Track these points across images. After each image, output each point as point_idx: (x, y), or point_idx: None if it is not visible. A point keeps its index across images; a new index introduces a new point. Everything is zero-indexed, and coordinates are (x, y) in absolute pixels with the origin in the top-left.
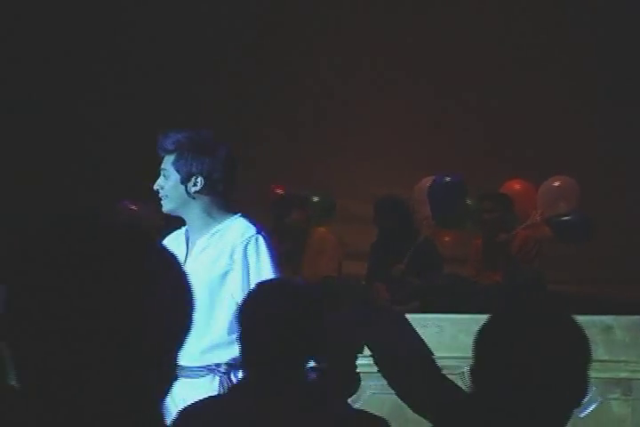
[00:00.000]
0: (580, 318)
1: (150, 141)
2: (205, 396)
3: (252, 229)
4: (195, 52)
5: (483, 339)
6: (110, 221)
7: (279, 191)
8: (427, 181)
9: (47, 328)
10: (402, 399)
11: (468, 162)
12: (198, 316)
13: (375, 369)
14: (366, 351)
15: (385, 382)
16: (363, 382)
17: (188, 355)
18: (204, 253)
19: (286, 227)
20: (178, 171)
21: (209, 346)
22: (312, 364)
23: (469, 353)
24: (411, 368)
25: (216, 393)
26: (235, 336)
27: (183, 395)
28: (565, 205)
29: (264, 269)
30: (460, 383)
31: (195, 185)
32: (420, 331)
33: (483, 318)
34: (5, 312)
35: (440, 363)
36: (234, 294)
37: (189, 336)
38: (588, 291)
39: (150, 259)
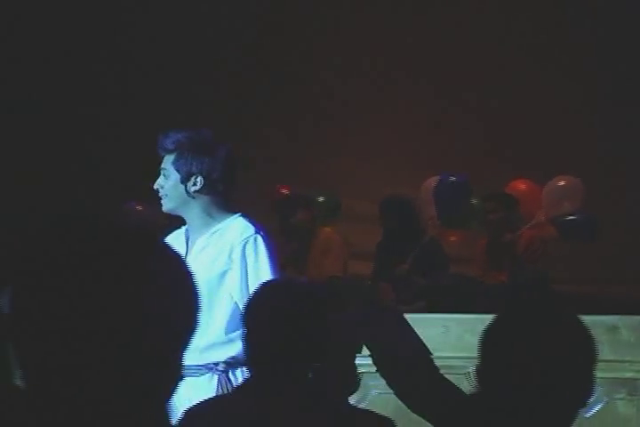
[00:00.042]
0: (586, 318)
1: (150, 141)
2: (204, 394)
3: (250, 229)
4: (195, 52)
5: (488, 339)
6: (116, 221)
7: (284, 191)
8: (432, 181)
9: (51, 328)
10: (401, 400)
11: (472, 162)
12: None
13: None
14: (366, 351)
15: None
16: (368, 382)
17: (187, 354)
18: (203, 252)
19: (292, 227)
20: (178, 170)
21: (207, 345)
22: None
23: (475, 353)
24: (409, 368)
25: (214, 391)
26: (233, 335)
27: (181, 393)
28: (570, 205)
29: (262, 269)
30: (465, 383)
31: (194, 185)
32: (425, 331)
33: (488, 318)
34: (10, 312)
35: (445, 363)
36: (232, 293)
37: None
38: (592, 291)
39: (156, 259)
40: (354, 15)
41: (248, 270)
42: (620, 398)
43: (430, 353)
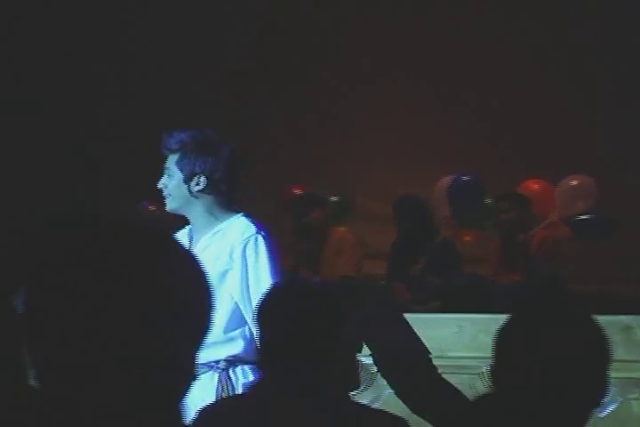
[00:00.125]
0: (600, 318)
1: (150, 141)
2: (204, 392)
3: (251, 229)
4: (196, 52)
5: (502, 339)
6: (130, 221)
7: (297, 191)
8: (445, 181)
9: (64, 328)
10: (401, 400)
11: (484, 162)
12: None
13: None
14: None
15: None
16: (382, 382)
17: None
18: (205, 252)
19: (305, 227)
20: (181, 170)
21: (208, 343)
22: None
23: (489, 353)
24: (408, 368)
25: (215, 389)
26: (233, 334)
27: None
28: (583, 205)
29: (262, 269)
30: (479, 383)
31: (197, 184)
32: (439, 331)
33: (502, 318)
34: (24, 313)
35: (459, 363)
36: (232, 293)
37: None
38: (606, 290)
39: (170, 259)
40: (354, 15)
41: (248, 270)
42: (635, 398)
43: (429, 353)
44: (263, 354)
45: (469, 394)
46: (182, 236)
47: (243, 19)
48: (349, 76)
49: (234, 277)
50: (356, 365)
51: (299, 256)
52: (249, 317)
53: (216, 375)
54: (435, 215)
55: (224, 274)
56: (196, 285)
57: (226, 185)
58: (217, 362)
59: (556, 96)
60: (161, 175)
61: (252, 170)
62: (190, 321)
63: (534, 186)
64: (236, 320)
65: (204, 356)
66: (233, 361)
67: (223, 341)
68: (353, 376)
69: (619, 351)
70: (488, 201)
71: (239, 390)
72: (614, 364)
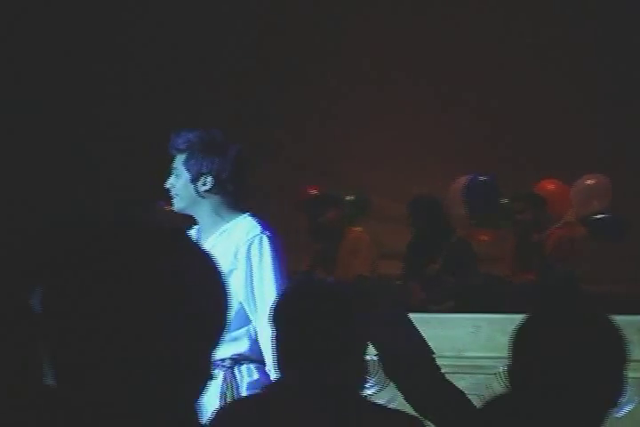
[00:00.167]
0: (616, 318)
1: (149, 141)
2: (209, 389)
3: (256, 229)
4: (198, 53)
5: (519, 339)
6: (147, 221)
7: (313, 192)
8: (461, 181)
9: (83, 328)
10: (405, 400)
11: (500, 161)
12: None
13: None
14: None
15: None
16: None
17: None
18: (211, 251)
19: (321, 227)
20: (188, 170)
21: None
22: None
23: (505, 353)
24: (410, 368)
25: (220, 387)
26: (237, 333)
27: None
28: (599, 204)
29: (266, 270)
30: (495, 383)
31: (204, 184)
32: (455, 331)
33: (519, 318)
34: (42, 312)
35: (476, 363)
36: (237, 293)
37: None
38: (623, 290)
39: (187, 258)
40: (354, 15)
41: (253, 271)
42: None
43: (433, 353)
44: (278, 354)
45: (486, 394)
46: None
47: (243, 19)
48: (357, 75)
49: (238, 277)
50: (366, 365)
51: (314, 256)
52: (253, 316)
53: (221, 374)
54: (450, 215)
55: (229, 274)
56: (212, 284)
57: (232, 185)
58: (222, 360)
59: (556, 96)
60: (169, 175)
61: (266, 171)
62: (206, 320)
63: (549, 186)
64: (241, 319)
65: None
66: (238, 360)
67: (228, 339)
68: (362, 375)
69: (636, 352)
70: (504, 201)
71: (244, 389)
72: (631, 364)
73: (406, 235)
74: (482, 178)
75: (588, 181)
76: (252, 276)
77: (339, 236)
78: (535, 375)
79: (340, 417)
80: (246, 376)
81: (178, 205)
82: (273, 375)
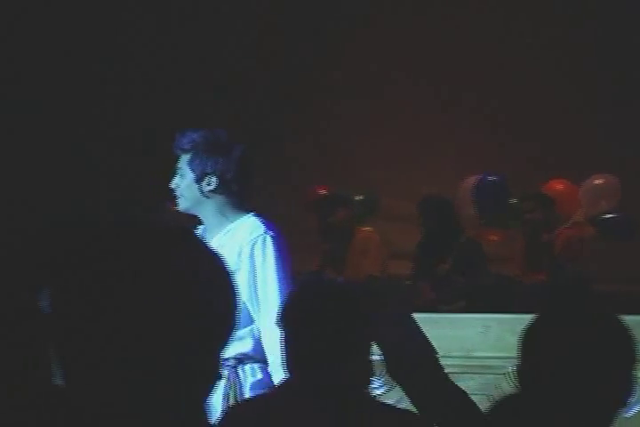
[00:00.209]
0: (626, 318)
1: (149, 141)
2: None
3: (260, 229)
4: (198, 53)
5: (528, 339)
6: (155, 221)
7: (322, 192)
8: (470, 181)
9: (93, 328)
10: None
11: (508, 161)
12: None
13: None
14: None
15: None
16: None
17: None
18: None
19: (330, 227)
20: (192, 170)
21: None
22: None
23: (515, 353)
24: (413, 368)
25: (223, 386)
26: (241, 332)
27: None
28: (607, 204)
29: (269, 270)
30: (505, 383)
31: (209, 184)
32: (465, 331)
33: (528, 318)
34: (51, 313)
35: (485, 363)
36: (240, 293)
37: None
38: (632, 290)
39: (195, 258)
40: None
41: (256, 271)
42: None
43: (436, 352)
44: (287, 354)
45: (495, 394)
46: None
47: (243, 19)
48: (364, 75)
49: (241, 277)
50: (373, 365)
51: (324, 256)
52: (256, 316)
53: (225, 373)
54: (460, 215)
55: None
56: (222, 283)
57: (237, 185)
58: (226, 360)
59: (554, 96)
60: (173, 175)
61: (274, 171)
62: (216, 320)
63: (558, 186)
64: (245, 319)
65: None
66: (242, 359)
67: (232, 339)
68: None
69: None
70: (513, 201)
71: (247, 389)
72: None
73: (416, 235)
74: (491, 178)
75: (597, 181)
76: (255, 276)
77: (348, 236)
78: (544, 375)
79: (349, 417)
80: (250, 376)
81: (182, 205)
82: (275, 376)
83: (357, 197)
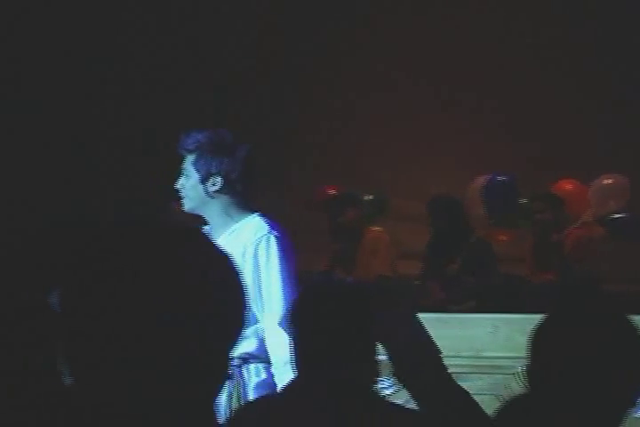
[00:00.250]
0: (635, 318)
1: (149, 141)
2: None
3: (264, 229)
4: (198, 53)
5: (538, 339)
6: (164, 221)
7: (331, 191)
8: (480, 181)
9: (103, 328)
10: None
11: (517, 161)
12: None
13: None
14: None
15: None
16: None
17: None
18: None
19: (340, 226)
20: (197, 171)
21: None
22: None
23: (524, 353)
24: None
25: (227, 385)
26: (246, 332)
27: None
28: (615, 204)
29: (273, 270)
30: (514, 383)
31: (214, 185)
32: (474, 330)
33: (537, 318)
34: (61, 313)
35: (494, 363)
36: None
37: None
38: None
39: (207, 258)
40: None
41: (260, 271)
42: None
43: (440, 352)
44: (298, 354)
45: (504, 394)
46: None
47: (243, 19)
48: (370, 75)
49: (246, 278)
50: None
51: (333, 256)
52: (260, 316)
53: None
54: (469, 215)
55: None
56: (231, 283)
57: (242, 185)
58: (231, 359)
59: (556, 96)
60: (178, 176)
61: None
62: (225, 320)
63: (567, 186)
64: (250, 319)
65: None
66: (247, 359)
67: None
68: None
69: None
70: (523, 201)
71: (251, 388)
72: None
73: (425, 235)
74: (501, 178)
75: (606, 181)
76: (258, 276)
77: (358, 236)
78: (553, 375)
79: (358, 417)
80: (254, 376)
81: (187, 205)
82: (277, 376)
83: (367, 197)
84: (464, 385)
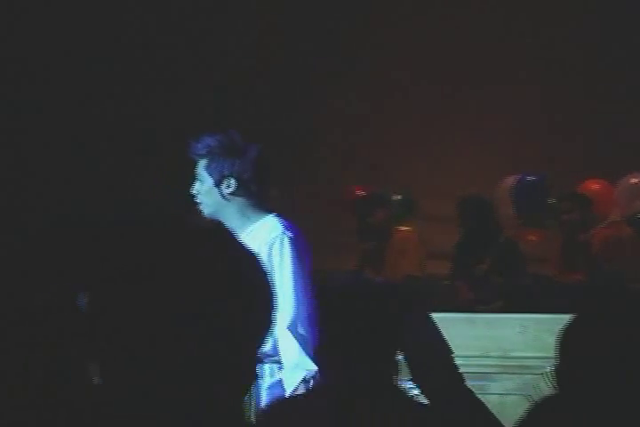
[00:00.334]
0: None
1: (149, 141)
2: None
3: (278, 230)
4: (198, 53)
5: (566, 339)
6: (192, 222)
7: (360, 192)
8: (509, 181)
9: (131, 330)
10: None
11: (544, 161)
12: None
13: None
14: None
15: None
16: None
17: None
18: None
19: (369, 226)
20: (211, 175)
21: None
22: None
23: (552, 353)
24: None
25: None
26: None
27: None
28: None
29: (286, 271)
30: (543, 384)
31: (228, 187)
32: (503, 331)
33: (566, 318)
34: (89, 315)
35: (523, 363)
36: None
37: None
38: None
39: (238, 259)
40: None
41: (273, 271)
42: None
43: (452, 352)
44: (324, 355)
45: (533, 394)
46: None
47: (243, 19)
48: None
49: None
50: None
51: (362, 256)
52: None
53: None
54: (498, 215)
55: None
56: (261, 284)
57: (255, 186)
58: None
59: (557, 96)
60: (193, 181)
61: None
62: (252, 320)
63: (594, 186)
64: None
65: None
66: (260, 359)
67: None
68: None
69: None
70: (551, 201)
71: (264, 388)
72: None
73: (454, 235)
74: (530, 178)
75: (633, 180)
76: (272, 277)
77: (387, 236)
78: (582, 375)
79: (384, 417)
80: (268, 376)
81: (205, 211)
82: (286, 378)
83: (395, 198)
84: (493, 385)
